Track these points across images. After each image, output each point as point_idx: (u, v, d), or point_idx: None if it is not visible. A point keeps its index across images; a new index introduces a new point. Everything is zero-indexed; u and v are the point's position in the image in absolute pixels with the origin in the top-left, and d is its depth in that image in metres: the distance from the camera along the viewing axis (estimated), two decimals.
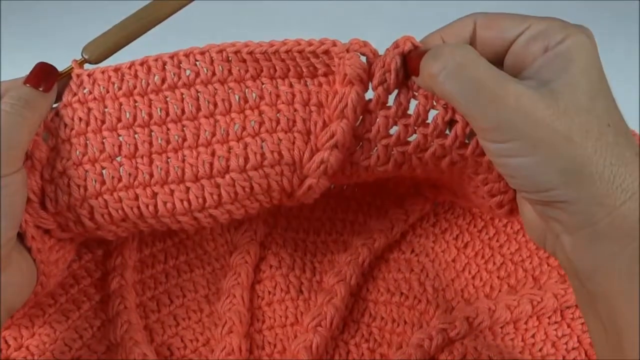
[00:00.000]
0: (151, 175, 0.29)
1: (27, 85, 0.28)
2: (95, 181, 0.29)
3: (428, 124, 0.29)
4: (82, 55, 0.30)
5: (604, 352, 0.24)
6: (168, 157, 0.29)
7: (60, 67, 0.30)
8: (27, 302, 0.31)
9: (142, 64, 0.30)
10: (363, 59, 0.29)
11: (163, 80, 0.30)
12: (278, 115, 0.30)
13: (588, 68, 0.23)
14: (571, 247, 0.24)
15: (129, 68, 0.30)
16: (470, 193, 0.33)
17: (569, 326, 0.34)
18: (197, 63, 0.30)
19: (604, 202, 0.22)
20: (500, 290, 0.36)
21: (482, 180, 0.30)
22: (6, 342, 0.32)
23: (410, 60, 0.27)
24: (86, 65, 0.31)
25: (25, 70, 0.29)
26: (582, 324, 0.34)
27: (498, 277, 0.36)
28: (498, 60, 0.27)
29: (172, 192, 0.29)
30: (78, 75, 0.30)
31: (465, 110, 0.24)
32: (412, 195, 0.39)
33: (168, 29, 0.32)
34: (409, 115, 0.29)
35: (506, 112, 0.23)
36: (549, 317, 0.34)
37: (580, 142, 0.22)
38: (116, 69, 0.30)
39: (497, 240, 0.37)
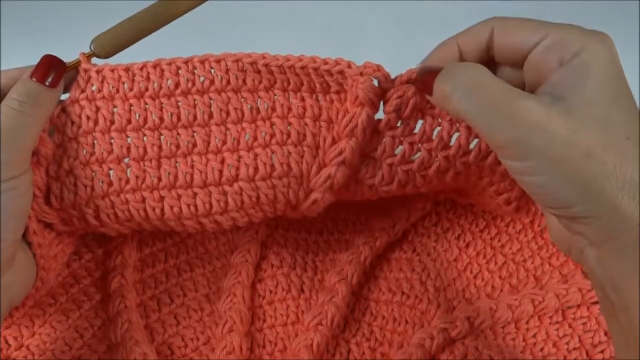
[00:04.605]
0: (159, 179, 0.29)
1: (33, 79, 0.28)
2: (102, 182, 0.29)
3: (433, 140, 0.29)
4: (90, 48, 0.30)
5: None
6: (177, 162, 0.30)
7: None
8: (27, 301, 0.31)
9: (154, 67, 0.30)
10: (375, 81, 0.29)
11: (176, 85, 0.30)
12: (289, 128, 0.30)
13: (605, 80, 0.23)
14: (595, 259, 0.24)
15: (141, 69, 0.30)
16: (476, 194, 0.33)
17: (570, 326, 0.34)
18: (212, 71, 0.30)
19: (626, 217, 0.22)
20: (501, 290, 0.36)
21: (488, 183, 0.30)
22: (6, 341, 0.32)
23: (423, 79, 0.27)
24: (93, 59, 0.30)
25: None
26: (584, 324, 0.34)
27: (500, 277, 0.36)
28: (516, 67, 0.27)
29: (179, 196, 0.29)
30: (86, 70, 0.30)
31: (481, 128, 0.24)
32: (413, 193, 0.39)
33: (178, 27, 0.31)
34: (415, 134, 0.29)
35: (521, 129, 0.23)
36: (551, 317, 0.34)
37: (599, 157, 0.22)
38: (127, 69, 0.30)
39: (499, 240, 0.37)
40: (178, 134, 0.30)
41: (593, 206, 0.22)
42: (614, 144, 0.22)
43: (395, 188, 0.31)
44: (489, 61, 0.28)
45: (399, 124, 0.30)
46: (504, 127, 0.23)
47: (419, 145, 0.30)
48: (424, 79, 0.27)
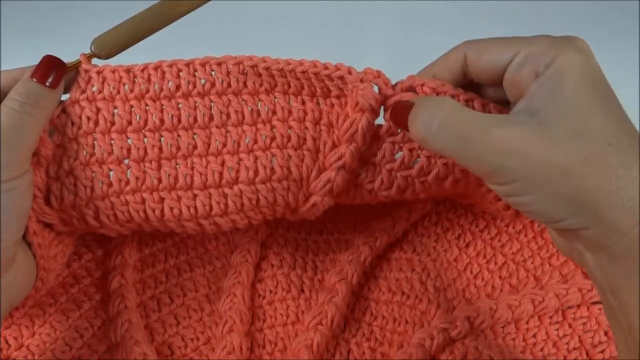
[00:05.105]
0: (159, 181, 0.29)
1: (34, 80, 0.28)
2: (102, 183, 0.29)
3: None
4: (90, 49, 0.30)
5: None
6: (177, 164, 0.30)
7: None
8: (27, 301, 0.31)
9: (156, 69, 0.30)
10: (375, 88, 0.29)
11: (177, 87, 0.30)
12: (289, 131, 0.30)
13: (580, 86, 0.23)
14: (593, 264, 0.24)
15: (142, 71, 0.30)
16: (476, 199, 0.33)
17: (570, 326, 0.34)
18: (213, 73, 0.30)
19: (616, 227, 0.22)
20: (501, 290, 0.36)
21: (487, 189, 0.30)
22: (7, 341, 0.32)
23: (396, 114, 0.28)
24: (94, 60, 0.30)
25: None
26: (584, 324, 0.34)
27: (500, 277, 0.36)
28: (496, 86, 0.27)
29: (179, 198, 0.29)
30: (86, 71, 0.30)
31: (461, 162, 0.25)
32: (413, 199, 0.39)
33: (179, 28, 0.31)
34: None
35: (498, 158, 0.23)
36: (551, 317, 0.34)
37: (580, 171, 0.22)
38: (128, 70, 0.30)
39: (499, 240, 0.37)
40: (178, 135, 0.30)
41: (582, 219, 0.22)
42: (595, 154, 0.22)
43: (394, 193, 0.31)
44: (469, 83, 0.29)
45: (399, 130, 0.30)
46: (483, 159, 0.23)
47: (419, 151, 0.30)
48: (400, 113, 0.27)
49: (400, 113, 0.27)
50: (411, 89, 0.29)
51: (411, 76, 0.29)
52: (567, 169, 0.22)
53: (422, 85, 0.29)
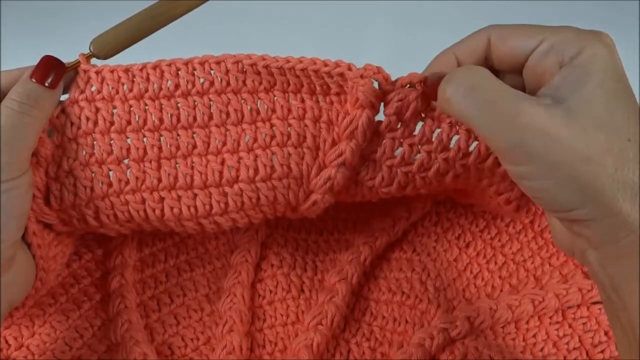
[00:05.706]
0: (159, 180, 0.29)
1: (33, 80, 0.28)
2: (102, 183, 0.29)
3: (432, 142, 0.29)
4: (89, 49, 0.30)
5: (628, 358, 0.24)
6: (177, 163, 0.30)
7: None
8: (27, 301, 0.31)
9: (154, 68, 0.30)
10: (375, 83, 0.29)
11: (176, 86, 0.30)
12: (289, 129, 0.30)
13: (605, 80, 0.23)
14: (596, 261, 0.24)
15: (141, 70, 0.30)
16: (476, 194, 0.33)
17: (570, 326, 0.34)
18: (212, 72, 0.30)
19: (626, 221, 0.22)
20: (501, 290, 0.36)
21: (487, 184, 0.30)
22: (7, 341, 0.32)
23: (429, 86, 0.27)
24: (93, 60, 0.30)
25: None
26: (584, 324, 0.34)
27: (500, 277, 0.36)
28: (516, 73, 0.27)
29: (179, 197, 0.30)
30: (85, 71, 0.30)
31: (482, 131, 0.24)
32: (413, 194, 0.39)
33: (178, 28, 0.31)
34: (414, 136, 0.29)
35: (521, 132, 0.22)
36: (551, 317, 0.34)
37: (599, 161, 0.22)
38: (126, 70, 0.30)
39: (499, 240, 0.37)
40: (178, 135, 0.30)
41: (594, 210, 0.22)
42: (615, 146, 0.22)
43: (395, 190, 0.31)
44: (489, 69, 0.28)
45: (399, 126, 0.30)
46: (505, 130, 0.23)
47: (419, 147, 0.30)
48: (432, 84, 0.27)
49: (433, 84, 0.27)
50: (412, 85, 0.29)
51: (412, 73, 0.29)
52: (589, 156, 0.22)
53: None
